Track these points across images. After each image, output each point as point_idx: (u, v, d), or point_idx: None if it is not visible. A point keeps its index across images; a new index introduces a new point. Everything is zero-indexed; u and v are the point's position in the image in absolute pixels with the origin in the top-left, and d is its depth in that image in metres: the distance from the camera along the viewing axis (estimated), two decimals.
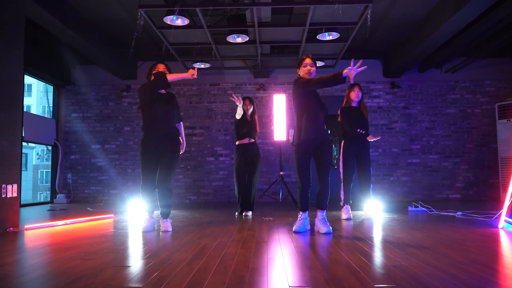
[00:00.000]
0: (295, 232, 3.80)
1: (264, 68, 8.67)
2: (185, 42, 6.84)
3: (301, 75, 3.96)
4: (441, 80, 9.04)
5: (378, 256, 2.68)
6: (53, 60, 8.46)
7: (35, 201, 9.96)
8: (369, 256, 2.69)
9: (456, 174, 8.85)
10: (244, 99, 5.57)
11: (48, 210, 6.73)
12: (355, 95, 5.08)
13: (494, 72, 8.97)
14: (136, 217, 5.43)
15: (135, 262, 2.56)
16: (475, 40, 7.51)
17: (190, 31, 6.25)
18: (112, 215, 5.44)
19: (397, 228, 4.07)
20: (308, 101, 3.85)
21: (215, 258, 2.63)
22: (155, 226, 4.20)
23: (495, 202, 7.83)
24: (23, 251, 3.10)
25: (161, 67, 4.09)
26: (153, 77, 4.04)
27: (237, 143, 5.59)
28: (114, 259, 2.64)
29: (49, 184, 9.35)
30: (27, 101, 37.16)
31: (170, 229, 4.04)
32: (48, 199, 9.09)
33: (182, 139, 4.37)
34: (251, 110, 5.60)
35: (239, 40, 6.49)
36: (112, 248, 3.08)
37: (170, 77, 3.98)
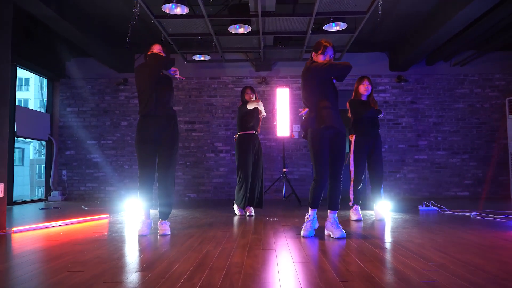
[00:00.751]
0: (304, 237, 3.49)
1: (266, 61, 8.34)
2: (185, 33, 6.51)
3: (318, 61, 3.61)
4: (450, 73, 8.72)
5: (403, 268, 2.38)
6: (47, 52, 8.12)
7: (32, 197, 9.63)
8: (393, 268, 2.39)
9: (464, 171, 8.56)
10: (245, 88, 5.32)
11: (41, 209, 6.43)
12: (364, 88, 4.74)
13: (504, 65, 8.66)
14: (132, 217, 5.13)
15: (129, 276, 2.26)
16: (485, 33, 7.22)
17: (190, 20, 5.91)
18: (107, 215, 5.14)
19: (414, 232, 3.77)
20: (325, 89, 3.53)
21: (220, 271, 2.33)
22: (152, 227, 3.89)
23: (506, 200, 7.55)
24: (7, 259, 2.80)
25: (156, 48, 3.75)
26: (148, 59, 3.72)
27: (240, 133, 5.29)
28: (105, 272, 2.33)
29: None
30: (24, 95, 36.79)
31: (169, 233, 3.74)
32: (44, 196, 8.77)
33: None
34: (253, 99, 5.32)
35: (241, 30, 6.16)
36: (104, 256, 2.77)
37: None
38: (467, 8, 5.65)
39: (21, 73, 18.09)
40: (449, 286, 1.99)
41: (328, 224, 3.60)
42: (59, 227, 4.33)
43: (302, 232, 3.55)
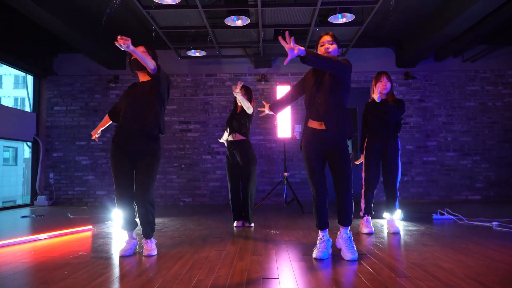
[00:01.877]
0: (316, 259, 2.99)
1: (265, 57, 7.84)
2: (178, 26, 6.00)
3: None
4: (460, 70, 8.24)
5: None
6: (32, 47, 7.62)
7: (26, 198, 9.06)
8: None
9: (475, 173, 8.08)
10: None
11: (22, 217, 5.92)
12: (382, 86, 4.21)
13: None
14: (117, 230, 4.63)
15: None
16: (498, 26, 6.76)
17: (183, 11, 5.42)
18: (90, 226, 4.65)
19: (437, 251, 3.28)
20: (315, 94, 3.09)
21: None
22: (136, 248, 3.40)
23: None
24: None
25: (140, 50, 3.21)
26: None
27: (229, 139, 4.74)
28: None
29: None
30: (22, 93, 35.95)
31: (155, 253, 3.24)
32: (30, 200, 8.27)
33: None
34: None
35: (239, 23, 5.65)
36: None
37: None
38: (481, 1, 5.20)
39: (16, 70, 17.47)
40: None
41: (340, 240, 3.12)
42: (31, 242, 3.84)
43: (315, 254, 3.05)
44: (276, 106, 3.45)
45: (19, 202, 7.84)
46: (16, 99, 35.47)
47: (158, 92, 3.20)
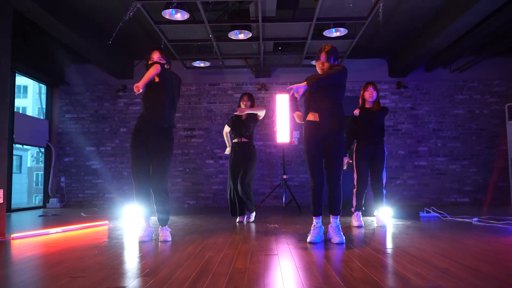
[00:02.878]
0: (310, 243, 3.45)
1: (266, 67, 8.34)
2: (185, 39, 6.50)
3: (318, 71, 3.68)
4: (449, 79, 8.74)
5: (408, 274, 2.35)
6: (46, 58, 8.11)
7: (30, 205, 9.53)
8: (397, 274, 2.36)
9: (464, 177, 8.55)
10: (243, 95, 5.20)
11: (40, 216, 6.38)
12: (369, 94, 4.74)
13: (504, 71, 8.67)
14: (131, 224, 5.09)
15: (132, 282, 2.22)
16: (484, 38, 7.23)
17: (190, 26, 5.91)
18: (106, 222, 5.10)
19: (416, 238, 3.74)
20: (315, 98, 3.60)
21: (223, 277, 2.30)
22: (153, 235, 3.86)
23: (507, 206, 7.53)
24: (7, 265, 2.76)
25: (155, 56, 3.73)
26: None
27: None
28: (107, 278, 2.30)
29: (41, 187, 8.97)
30: (22, 102, 36.69)
31: (170, 239, 3.70)
32: (42, 203, 8.72)
33: None
34: (248, 106, 5.15)
35: (241, 36, 6.16)
36: (105, 263, 2.74)
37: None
38: (467, 14, 5.67)
39: (20, 80, 18.08)
40: None
41: (330, 228, 3.58)
42: (58, 233, 4.30)
43: (309, 238, 3.51)
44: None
45: (23, 207, 8.32)
46: (17, 108, 36.11)
47: (165, 90, 3.71)
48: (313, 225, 3.59)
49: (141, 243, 3.60)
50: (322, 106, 3.52)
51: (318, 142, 3.52)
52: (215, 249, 3.22)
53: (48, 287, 2.14)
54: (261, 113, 5.08)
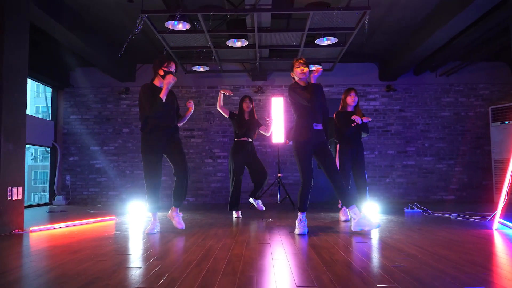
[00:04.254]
0: (299, 235, 3.89)
1: (262, 71, 8.78)
2: (185, 46, 6.93)
3: (296, 79, 4.09)
4: (436, 83, 9.19)
5: (378, 257, 2.79)
6: (52, 62, 8.51)
7: (29, 203, 9.89)
8: (369, 257, 2.79)
9: (450, 176, 9.01)
10: (244, 97, 5.71)
11: (49, 212, 6.79)
12: (351, 99, 5.16)
13: (488, 76, 9.13)
14: (137, 219, 5.51)
15: (146, 263, 2.65)
16: (470, 44, 7.65)
17: (191, 35, 6.34)
18: (113, 216, 5.52)
19: (395, 230, 4.18)
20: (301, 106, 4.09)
21: (222, 260, 2.72)
22: (159, 228, 4.28)
23: (489, 203, 7.98)
24: (32, 253, 3.18)
25: (173, 67, 4.21)
26: (162, 73, 4.17)
27: (235, 139, 5.72)
28: (124, 261, 2.73)
29: (43, 185, 9.39)
30: None
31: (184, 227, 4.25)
32: (44, 200, 9.13)
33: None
34: (250, 108, 5.74)
35: (238, 44, 6.59)
36: (120, 250, 3.16)
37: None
38: (452, 22, 6.01)
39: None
40: (415, 270, 2.40)
41: (359, 220, 3.94)
42: (71, 227, 4.71)
43: (297, 230, 3.96)
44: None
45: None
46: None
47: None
48: (299, 219, 4.03)
49: (148, 235, 4.02)
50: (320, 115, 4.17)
51: (312, 145, 4.11)
52: (215, 238, 3.65)
53: (75, 268, 2.55)
54: (266, 133, 5.82)
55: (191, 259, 2.76)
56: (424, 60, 8.41)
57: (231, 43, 6.56)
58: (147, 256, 2.92)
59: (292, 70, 4.13)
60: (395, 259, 2.71)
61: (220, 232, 4.13)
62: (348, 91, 5.20)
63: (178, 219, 4.29)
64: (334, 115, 5.24)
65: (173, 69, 4.21)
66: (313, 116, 4.03)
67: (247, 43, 6.59)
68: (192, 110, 4.56)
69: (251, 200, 5.83)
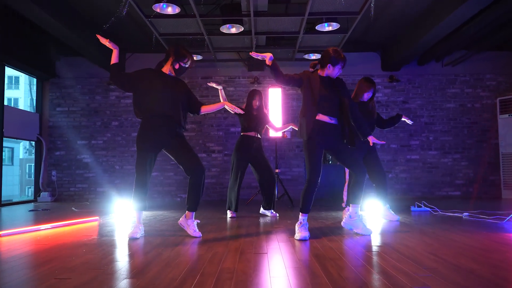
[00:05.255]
0: (300, 241, 3.46)
1: (258, 61, 8.30)
2: (176, 33, 6.45)
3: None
4: (441, 73, 8.76)
5: (396, 273, 2.36)
6: (36, 51, 8.02)
7: (22, 197, 9.41)
8: (385, 273, 2.37)
9: (456, 171, 8.60)
10: (254, 94, 5.25)
11: (30, 211, 6.34)
12: (367, 95, 4.69)
13: (495, 65, 8.71)
14: (122, 219, 5.07)
15: (118, 283, 2.21)
16: (477, 33, 7.25)
17: (182, 20, 5.87)
18: (97, 217, 5.08)
19: (407, 234, 3.76)
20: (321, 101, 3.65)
21: (211, 277, 2.29)
22: (143, 232, 3.84)
23: (498, 200, 7.60)
24: None
25: (188, 63, 3.78)
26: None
27: (242, 134, 5.31)
28: (93, 279, 2.29)
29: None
30: (14, 93, 36.47)
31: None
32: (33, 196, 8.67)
33: None
34: (258, 105, 5.28)
35: (233, 30, 6.12)
36: (93, 262, 2.72)
37: None
38: (459, 9, 5.68)
39: (11, 71, 17.93)
40: None
41: (354, 221, 3.72)
42: (48, 230, 4.27)
43: (297, 235, 3.52)
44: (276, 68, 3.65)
45: (16, 200, 8.30)
46: (9, 100, 35.85)
47: None
48: (299, 222, 3.60)
49: (131, 240, 3.58)
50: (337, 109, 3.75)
51: (326, 141, 3.70)
52: (205, 246, 3.22)
53: None
54: (273, 132, 5.52)
55: (174, 275, 2.32)
56: (429, 49, 7.97)
57: (225, 29, 6.08)
58: (123, 272, 2.47)
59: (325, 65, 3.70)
60: (416, 275, 2.28)
61: (211, 237, 3.69)
62: (367, 87, 4.71)
63: (194, 227, 3.73)
64: None
65: (188, 65, 3.76)
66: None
67: (242, 29, 6.12)
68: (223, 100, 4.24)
69: (263, 211, 5.39)
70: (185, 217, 3.78)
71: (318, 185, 3.59)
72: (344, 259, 2.73)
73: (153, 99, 3.64)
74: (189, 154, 3.71)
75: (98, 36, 3.74)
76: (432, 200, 7.00)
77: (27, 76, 8.63)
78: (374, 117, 4.74)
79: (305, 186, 3.60)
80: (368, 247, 3.14)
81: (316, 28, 6.11)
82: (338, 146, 3.64)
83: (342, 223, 3.91)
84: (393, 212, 4.75)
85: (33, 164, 8.75)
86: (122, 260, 2.83)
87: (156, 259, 2.80)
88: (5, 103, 7.43)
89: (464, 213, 5.13)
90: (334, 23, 5.95)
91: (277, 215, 5.34)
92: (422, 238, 3.51)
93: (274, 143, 7.79)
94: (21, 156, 31.58)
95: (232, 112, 4.33)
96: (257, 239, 3.55)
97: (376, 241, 3.44)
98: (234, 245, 3.28)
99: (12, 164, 24.05)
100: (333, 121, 3.63)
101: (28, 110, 10.09)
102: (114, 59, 3.72)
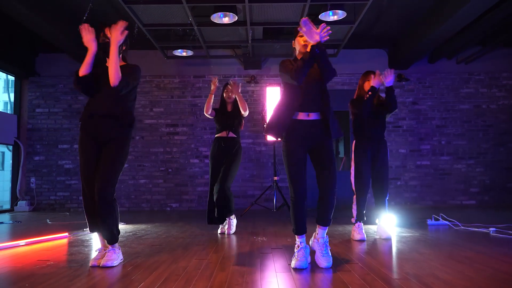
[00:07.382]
0: (295, 269, 2.76)
1: (255, 57, 7.62)
2: (162, 23, 5.77)
3: (296, 51, 3.10)
4: (454, 72, 8.09)
5: None
6: (13, 46, 7.34)
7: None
8: None
9: (470, 178, 7.90)
10: (226, 85, 4.59)
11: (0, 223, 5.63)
12: (370, 85, 4.03)
13: None
14: (95, 235, 4.36)
15: None
16: (493, 27, 6.64)
17: (167, 7, 5.19)
18: (66, 234, 4.38)
19: (433, 259, 3.05)
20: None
21: None
22: (122, 258, 3.11)
23: None
24: None
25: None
26: None
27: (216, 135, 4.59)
28: None
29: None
30: None
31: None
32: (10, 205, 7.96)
33: None
34: (233, 98, 4.63)
35: (226, 20, 5.44)
36: None
37: None
38: (475, 1, 5.05)
39: None
40: None
41: (315, 243, 2.96)
42: (4, 250, 3.58)
43: (294, 263, 2.81)
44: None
45: (6, 207, 7.64)
46: (5, 104, 35.11)
47: None
48: (296, 245, 2.91)
49: (92, 268, 2.88)
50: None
51: (305, 146, 3.02)
52: (182, 280, 2.51)
53: None
54: (245, 113, 4.47)
55: None
56: (440, 46, 7.33)
57: (217, 18, 5.39)
58: None
59: (294, 38, 3.02)
60: None
61: (193, 264, 2.98)
62: (366, 75, 4.08)
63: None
64: (349, 104, 4.14)
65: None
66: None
67: (236, 18, 5.44)
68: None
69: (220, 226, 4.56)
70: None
71: (306, 197, 2.90)
72: None
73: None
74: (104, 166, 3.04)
75: (82, 28, 2.95)
76: (445, 210, 6.31)
77: (4, 73, 7.94)
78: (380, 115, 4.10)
79: (291, 202, 2.95)
80: (391, 282, 2.44)
81: (319, 17, 5.42)
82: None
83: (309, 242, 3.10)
84: (386, 230, 4.04)
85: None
86: None
87: None
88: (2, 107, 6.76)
89: (491, 228, 4.44)
90: (340, 11, 5.27)
91: (232, 230, 4.50)
92: (455, 266, 2.81)
93: (273, 147, 7.11)
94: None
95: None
96: (249, 267, 2.84)
97: (397, 271, 2.74)
98: (219, 277, 2.57)
99: (3, 169, 23.28)
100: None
101: (4, 111, 9.40)
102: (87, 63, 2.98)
